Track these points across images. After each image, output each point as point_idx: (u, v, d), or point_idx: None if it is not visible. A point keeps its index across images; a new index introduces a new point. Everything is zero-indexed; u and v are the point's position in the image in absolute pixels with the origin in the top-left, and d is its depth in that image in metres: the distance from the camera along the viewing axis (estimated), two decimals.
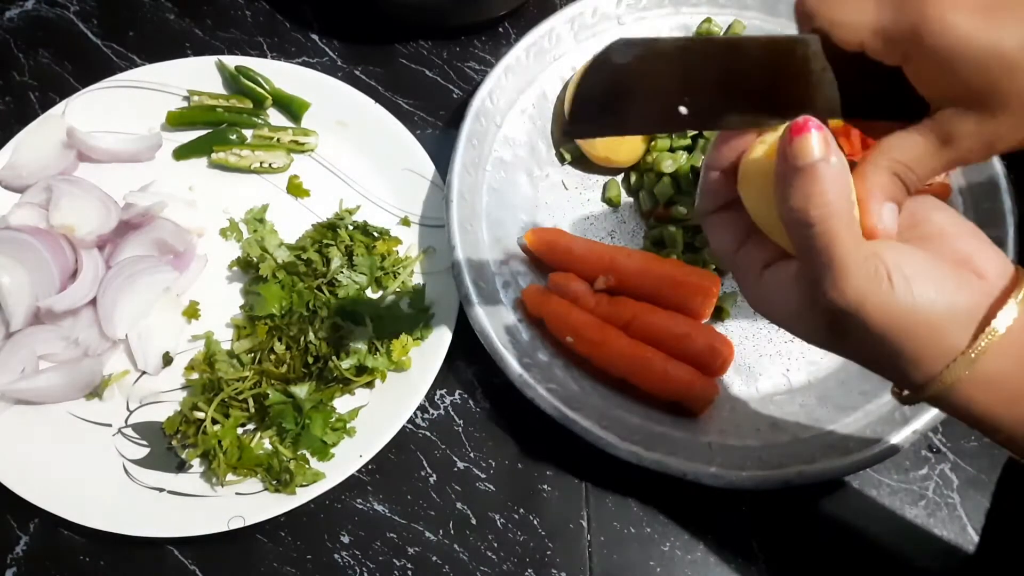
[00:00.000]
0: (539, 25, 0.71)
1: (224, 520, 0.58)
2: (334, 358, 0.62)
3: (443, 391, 0.65)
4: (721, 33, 0.74)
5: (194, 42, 0.80)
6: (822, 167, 0.34)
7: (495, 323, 0.62)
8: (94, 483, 0.60)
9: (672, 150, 0.70)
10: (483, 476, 0.62)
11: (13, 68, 0.78)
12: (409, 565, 0.59)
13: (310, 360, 0.63)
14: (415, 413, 0.63)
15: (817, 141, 0.35)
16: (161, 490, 0.60)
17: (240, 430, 0.62)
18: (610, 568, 0.60)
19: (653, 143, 0.70)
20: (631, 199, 0.72)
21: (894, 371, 0.38)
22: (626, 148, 0.70)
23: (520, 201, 0.70)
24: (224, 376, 0.62)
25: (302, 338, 0.63)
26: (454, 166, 0.66)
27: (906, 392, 0.40)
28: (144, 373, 0.65)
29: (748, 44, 0.38)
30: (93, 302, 0.65)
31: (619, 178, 0.73)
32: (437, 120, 0.76)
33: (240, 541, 0.59)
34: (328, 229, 0.68)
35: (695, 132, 0.69)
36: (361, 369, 0.62)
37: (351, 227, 0.68)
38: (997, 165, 0.66)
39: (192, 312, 0.67)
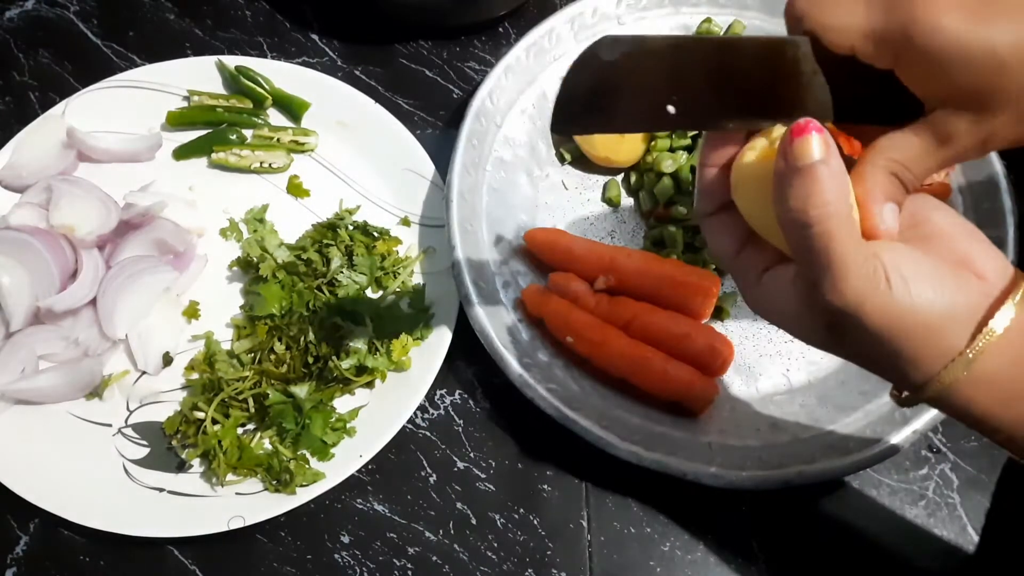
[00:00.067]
0: (539, 25, 0.71)
1: (224, 520, 0.58)
2: (334, 358, 0.62)
3: (443, 391, 0.65)
4: (721, 33, 0.74)
5: (194, 42, 0.80)
6: (821, 168, 0.34)
7: (495, 323, 0.62)
8: (94, 483, 0.60)
9: (672, 150, 0.70)
10: (483, 476, 0.62)
11: (13, 68, 0.78)
12: (409, 565, 0.59)
13: (310, 360, 0.63)
14: (415, 413, 0.63)
15: (817, 143, 0.35)
16: (161, 490, 0.60)
17: (240, 430, 0.62)
18: (610, 568, 0.60)
19: (653, 143, 0.70)
20: (631, 199, 0.72)
21: (893, 372, 0.38)
22: (626, 148, 0.70)
23: (520, 201, 0.70)
24: (224, 376, 0.62)
25: (302, 338, 0.63)
26: (454, 166, 0.66)
27: (905, 393, 0.40)
28: (144, 373, 0.65)
29: (738, 44, 0.38)
30: (93, 302, 0.65)
31: (619, 178, 0.73)
32: (437, 120, 0.76)
33: (240, 541, 0.59)
34: (328, 229, 0.68)
35: (695, 132, 0.69)
36: (361, 369, 0.62)
37: (351, 227, 0.68)
38: (997, 165, 0.66)
39: (192, 312, 0.67)
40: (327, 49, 0.80)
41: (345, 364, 0.62)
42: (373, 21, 0.80)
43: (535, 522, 0.61)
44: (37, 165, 0.70)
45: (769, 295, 0.40)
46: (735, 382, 0.64)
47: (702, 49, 0.38)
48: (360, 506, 0.61)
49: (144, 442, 0.62)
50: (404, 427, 0.62)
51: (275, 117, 0.75)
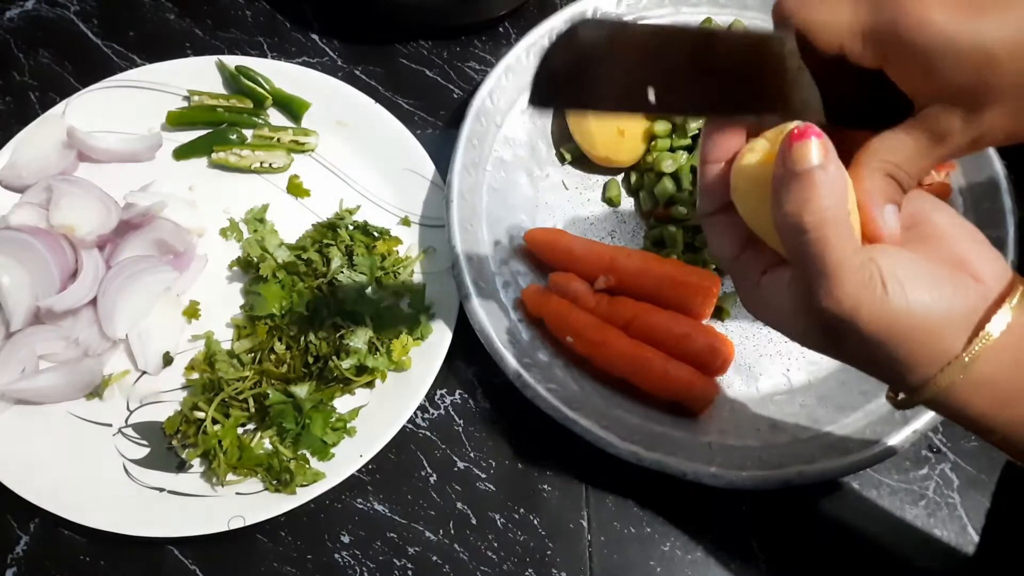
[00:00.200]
0: (539, 25, 0.71)
1: (224, 520, 0.58)
2: (334, 358, 0.62)
3: (443, 391, 0.65)
4: None
5: (194, 42, 0.80)
6: (819, 174, 0.34)
7: (495, 323, 0.62)
8: (94, 483, 0.60)
9: (672, 150, 0.70)
10: (483, 476, 0.62)
11: (13, 68, 0.78)
12: (409, 565, 0.59)
13: (310, 360, 0.63)
14: (415, 413, 0.63)
15: (816, 148, 0.35)
16: (161, 490, 0.60)
17: (240, 430, 0.62)
18: (610, 568, 0.60)
19: (653, 143, 0.70)
20: (631, 199, 0.72)
21: (890, 375, 0.38)
22: (626, 148, 0.70)
23: (520, 201, 0.70)
24: (224, 376, 0.62)
25: (302, 338, 0.63)
26: (454, 166, 0.66)
27: (901, 396, 0.40)
28: (144, 373, 0.65)
29: (720, 35, 0.38)
30: (93, 302, 0.65)
31: (619, 178, 0.73)
32: (437, 120, 0.76)
33: (240, 541, 0.59)
34: (328, 229, 0.68)
35: (695, 132, 0.69)
36: (361, 369, 0.62)
37: (351, 227, 0.68)
38: (997, 165, 0.66)
39: (192, 312, 0.67)
40: (327, 49, 0.80)
41: (345, 364, 0.62)
42: (373, 21, 0.80)
43: (535, 522, 0.61)
44: (37, 165, 0.70)
45: (767, 298, 0.40)
46: (735, 382, 0.64)
47: (683, 37, 0.38)
48: (360, 506, 0.61)
49: (144, 442, 0.62)
50: (404, 427, 0.62)
51: (275, 117, 0.75)
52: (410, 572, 0.59)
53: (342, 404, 0.63)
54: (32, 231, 0.65)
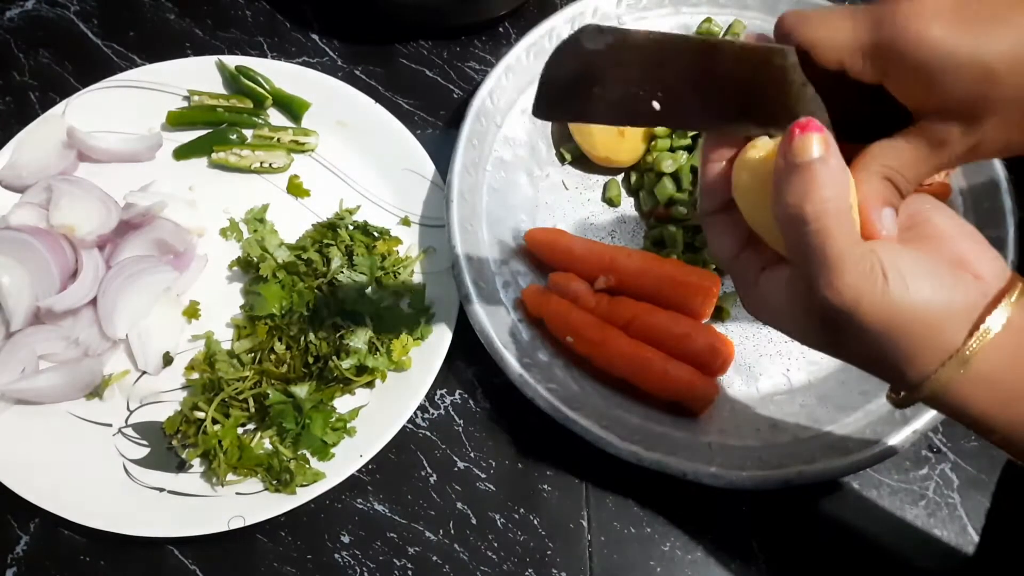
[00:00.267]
0: (539, 25, 0.71)
1: (224, 520, 0.58)
2: (334, 358, 0.62)
3: (443, 391, 0.65)
4: (721, 33, 0.74)
5: (194, 42, 0.80)
6: (820, 166, 0.35)
7: (495, 323, 0.62)
8: (94, 483, 0.60)
9: (672, 150, 0.70)
10: (483, 476, 0.62)
11: (13, 68, 0.78)
12: (409, 565, 0.59)
13: (310, 360, 0.63)
14: (415, 413, 0.63)
15: (818, 141, 0.35)
16: (161, 490, 0.60)
17: (240, 430, 0.62)
18: (610, 568, 0.60)
19: (653, 143, 0.70)
20: (631, 199, 0.72)
21: (890, 371, 0.38)
22: (626, 148, 0.70)
23: (520, 201, 0.70)
24: (224, 376, 0.62)
25: (302, 338, 0.63)
26: (454, 166, 0.66)
27: (902, 393, 0.40)
28: (144, 373, 0.65)
29: (723, 47, 0.38)
30: (93, 302, 0.65)
31: (619, 178, 0.73)
32: (437, 120, 0.76)
33: (240, 541, 0.59)
34: (328, 229, 0.68)
35: (694, 132, 0.69)
36: (361, 369, 0.62)
37: (351, 227, 0.68)
38: (997, 165, 0.66)
39: (192, 312, 0.67)
40: (327, 49, 0.80)
41: (345, 364, 0.62)
42: (373, 21, 0.80)
43: (535, 522, 0.61)
44: (37, 165, 0.70)
45: (766, 296, 0.40)
46: (735, 382, 0.64)
47: (685, 48, 0.38)
48: (360, 506, 0.61)
49: (144, 442, 0.62)
50: (404, 427, 0.62)
51: (275, 117, 0.75)
52: (410, 572, 0.59)
53: (342, 404, 0.63)
54: (32, 231, 0.65)
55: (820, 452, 0.58)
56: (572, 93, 0.38)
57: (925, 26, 0.35)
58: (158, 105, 0.74)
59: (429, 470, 0.63)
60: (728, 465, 0.57)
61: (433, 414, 0.64)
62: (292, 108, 0.74)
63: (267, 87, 0.74)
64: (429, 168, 0.71)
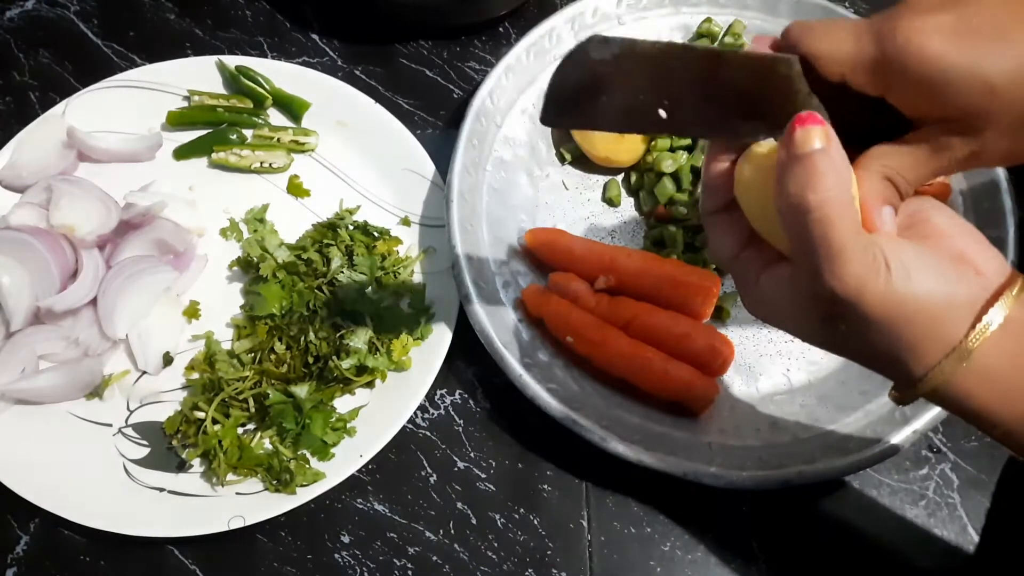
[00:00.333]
0: (539, 25, 0.71)
1: (224, 520, 0.58)
2: (334, 358, 0.62)
3: (443, 391, 0.65)
4: (721, 33, 0.74)
5: (194, 42, 0.80)
6: (822, 156, 0.35)
7: (495, 323, 0.62)
8: (94, 483, 0.60)
9: (672, 150, 0.70)
10: (483, 476, 0.62)
11: (13, 68, 0.78)
12: (409, 565, 0.59)
13: (310, 360, 0.63)
14: (415, 413, 0.63)
15: (819, 133, 0.35)
16: (161, 490, 0.60)
17: (240, 430, 0.62)
18: (610, 568, 0.60)
19: (653, 143, 0.70)
20: (631, 199, 0.72)
21: (892, 364, 0.38)
22: (626, 148, 0.70)
23: (520, 201, 0.70)
24: (224, 376, 0.62)
25: (302, 338, 0.63)
26: (454, 166, 0.66)
27: (904, 389, 0.40)
28: (144, 373, 0.65)
29: (729, 57, 0.38)
30: (93, 302, 0.65)
31: (619, 178, 0.73)
32: (437, 120, 0.76)
33: (240, 541, 0.59)
34: (328, 229, 0.68)
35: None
36: (361, 369, 0.62)
37: (351, 227, 0.68)
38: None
39: (192, 312, 0.67)
40: (327, 49, 0.80)
41: (345, 364, 0.62)
42: (373, 21, 0.80)
43: (535, 522, 0.61)
44: (37, 165, 0.70)
45: (767, 293, 0.40)
46: (735, 382, 0.64)
47: (691, 57, 0.38)
48: (360, 506, 0.61)
49: (144, 442, 0.62)
50: (404, 427, 0.62)
51: (275, 117, 0.75)
52: (410, 572, 0.59)
53: (342, 404, 0.63)
54: (32, 231, 0.65)
55: (820, 452, 0.58)
56: (579, 102, 0.38)
57: (926, 40, 0.35)
58: (158, 105, 0.74)
59: (429, 470, 0.63)
60: (728, 465, 0.57)
61: (433, 414, 0.64)
62: (292, 108, 0.74)
63: (267, 87, 0.74)
64: (429, 168, 0.71)
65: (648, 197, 0.70)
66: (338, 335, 0.63)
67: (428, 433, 0.64)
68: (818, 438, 0.60)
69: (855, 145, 0.40)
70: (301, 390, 0.61)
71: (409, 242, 0.70)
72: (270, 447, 0.61)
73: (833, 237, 0.35)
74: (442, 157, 0.70)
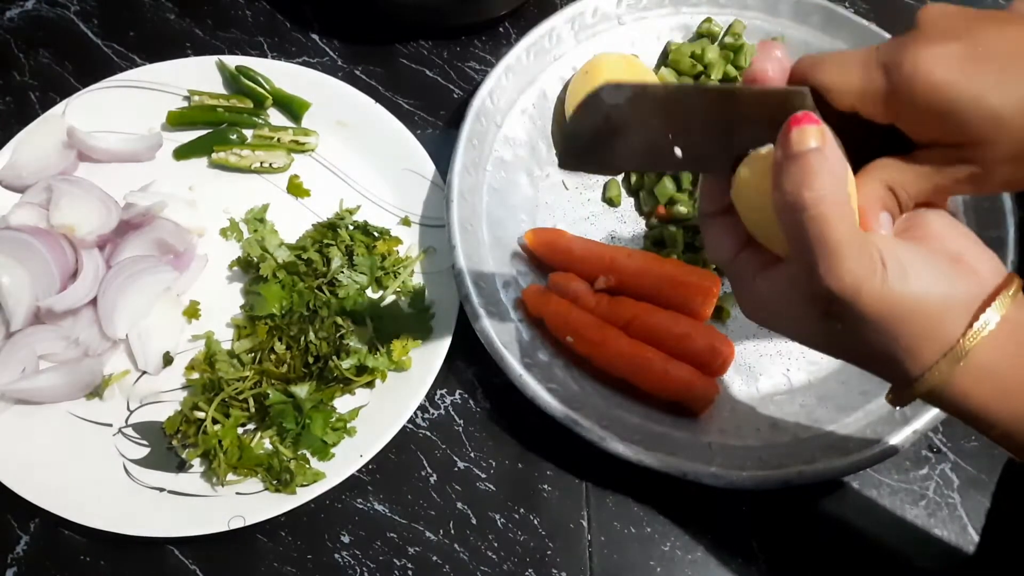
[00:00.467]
0: (539, 25, 0.71)
1: (224, 520, 0.58)
2: (334, 358, 0.62)
3: (443, 391, 0.65)
4: (721, 33, 0.74)
5: (194, 42, 0.80)
6: (817, 155, 0.35)
7: (495, 323, 0.62)
8: (94, 483, 0.60)
9: None
10: (483, 476, 0.62)
11: (13, 68, 0.78)
12: (409, 565, 0.59)
13: (310, 360, 0.63)
14: (415, 413, 0.63)
15: (814, 132, 0.36)
16: (161, 490, 0.60)
17: (240, 430, 0.62)
18: (610, 568, 0.60)
19: None
20: (631, 199, 0.72)
21: (889, 364, 0.38)
22: None
23: (520, 201, 0.70)
24: (224, 376, 0.62)
25: (302, 338, 0.63)
26: (454, 166, 0.66)
27: (901, 390, 0.40)
28: (144, 373, 0.65)
29: (741, 94, 0.39)
30: (93, 302, 0.65)
31: (619, 178, 0.73)
32: (437, 120, 0.76)
33: (240, 541, 0.59)
34: (328, 229, 0.68)
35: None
36: (361, 369, 0.62)
37: (351, 227, 0.68)
38: None
39: (192, 312, 0.67)
40: (327, 49, 0.80)
41: (345, 364, 0.62)
42: (373, 21, 0.80)
43: (535, 522, 0.61)
44: (37, 165, 0.70)
45: (764, 295, 0.40)
46: (735, 382, 0.64)
47: (704, 97, 0.39)
48: (360, 506, 0.61)
49: (144, 442, 0.62)
50: (404, 427, 0.62)
51: (275, 117, 0.75)
52: (410, 572, 0.59)
53: (342, 404, 0.63)
54: (32, 231, 0.65)
55: (820, 452, 0.58)
56: (595, 146, 0.39)
57: (934, 68, 0.36)
58: (158, 105, 0.74)
59: (429, 470, 0.63)
60: (728, 465, 0.57)
61: (433, 414, 0.64)
62: (292, 108, 0.74)
63: (267, 87, 0.74)
64: (429, 168, 0.71)
65: (648, 197, 0.70)
66: (338, 335, 0.63)
67: (428, 433, 0.64)
68: (818, 438, 0.60)
69: (865, 165, 0.40)
70: (301, 390, 0.61)
71: (409, 242, 0.70)
72: (270, 447, 0.61)
73: (829, 235, 0.35)
74: (442, 157, 0.70)
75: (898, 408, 0.59)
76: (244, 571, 0.59)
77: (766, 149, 0.39)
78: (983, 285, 0.37)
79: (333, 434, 0.61)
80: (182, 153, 0.73)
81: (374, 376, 0.63)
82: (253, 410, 0.62)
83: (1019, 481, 0.61)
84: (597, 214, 0.71)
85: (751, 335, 0.66)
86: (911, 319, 0.36)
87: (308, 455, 0.60)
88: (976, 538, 0.60)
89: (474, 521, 0.61)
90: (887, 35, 0.72)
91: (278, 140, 0.73)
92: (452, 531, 0.60)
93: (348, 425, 0.62)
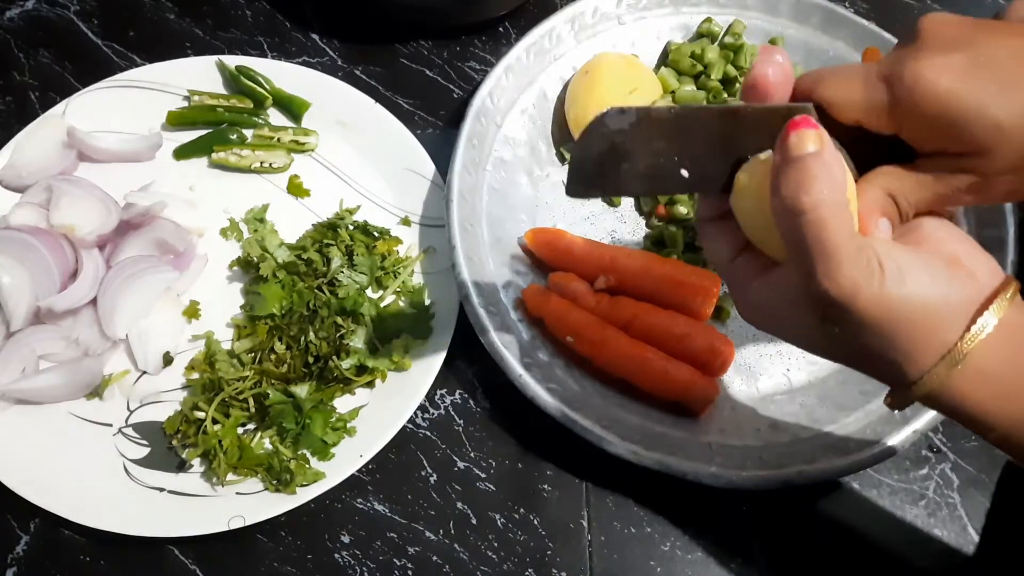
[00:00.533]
0: (539, 25, 0.71)
1: (224, 520, 0.58)
2: (334, 358, 0.62)
3: (443, 391, 0.65)
4: (721, 33, 0.74)
5: (194, 42, 0.80)
6: (815, 159, 0.35)
7: (495, 323, 0.62)
8: (94, 483, 0.60)
9: None
10: (483, 476, 0.62)
11: (13, 68, 0.78)
12: (409, 565, 0.59)
13: (310, 360, 0.63)
14: (415, 413, 0.63)
15: (813, 136, 0.35)
16: (161, 490, 0.60)
17: (240, 430, 0.62)
18: (610, 568, 0.60)
19: None
20: (631, 199, 0.72)
21: (887, 367, 0.38)
22: None
23: (520, 201, 0.70)
24: (224, 376, 0.62)
25: (302, 338, 0.63)
26: (454, 166, 0.66)
27: (899, 393, 0.40)
28: (144, 373, 0.65)
29: (745, 112, 0.39)
30: (93, 302, 0.65)
31: None
32: (437, 120, 0.76)
33: (240, 541, 0.59)
34: (328, 229, 0.68)
35: None
36: (361, 369, 0.63)
37: (351, 227, 0.68)
38: None
39: (192, 312, 0.67)
40: (327, 49, 0.80)
41: (345, 364, 0.62)
42: (373, 21, 0.80)
43: (535, 522, 0.61)
44: (37, 165, 0.70)
45: (762, 299, 0.40)
46: (735, 382, 0.64)
47: (707, 117, 0.39)
48: (360, 506, 0.61)
49: (144, 442, 0.62)
50: (404, 427, 0.62)
51: (275, 117, 0.75)
52: (410, 572, 0.59)
53: (342, 404, 0.63)
54: (32, 231, 0.65)
55: (820, 452, 0.58)
56: (602, 171, 0.39)
57: (936, 79, 0.36)
58: (158, 105, 0.74)
59: (429, 470, 0.63)
60: (728, 465, 0.57)
61: (433, 414, 0.64)
62: (292, 108, 0.74)
63: (267, 87, 0.74)
64: (429, 168, 0.71)
65: (648, 197, 0.70)
66: (338, 335, 0.63)
67: (428, 433, 0.64)
68: (818, 438, 0.60)
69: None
70: (301, 390, 0.61)
71: (409, 242, 0.70)
72: (270, 447, 0.61)
73: (826, 239, 0.35)
74: (442, 157, 0.70)
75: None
76: (244, 571, 0.59)
77: (765, 155, 0.39)
78: (980, 288, 0.37)
79: (333, 434, 0.61)
80: (182, 153, 0.73)
81: (374, 376, 0.63)
82: (253, 410, 0.62)
83: (1019, 481, 0.61)
84: (597, 214, 0.71)
85: (751, 335, 0.66)
86: (908, 323, 0.36)
87: (308, 455, 0.60)
88: (976, 538, 0.60)
89: (474, 521, 0.61)
90: (887, 35, 0.72)
91: (278, 140, 0.73)
92: (452, 531, 0.61)
93: (348, 425, 0.62)
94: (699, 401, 0.61)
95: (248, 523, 0.58)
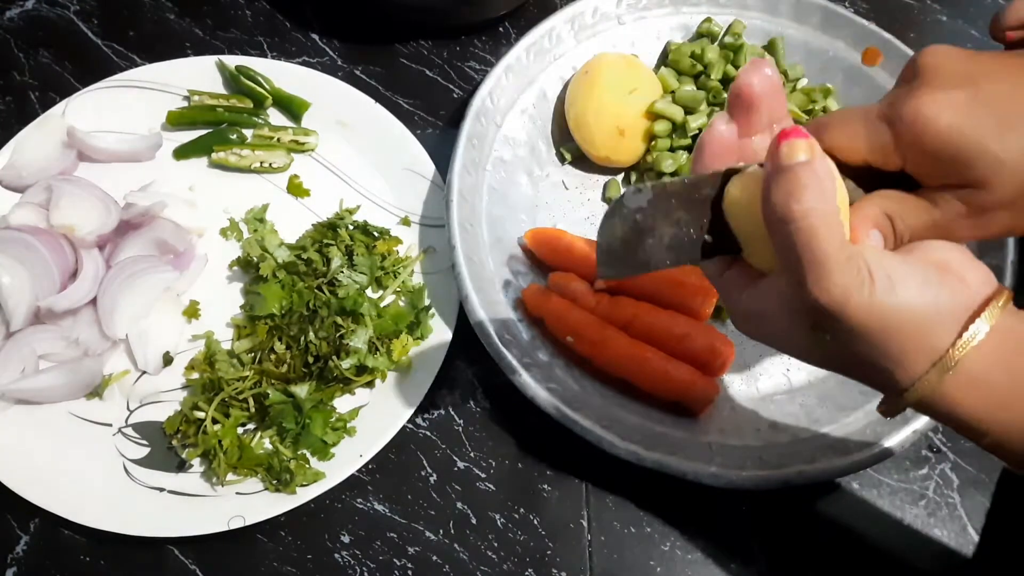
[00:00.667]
0: (539, 25, 0.71)
1: (224, 520, 0.58)
2: (334, 358, 0.62)
3: (443, 391, 0.65)
4: (721, 33, 0.74)
5: (194, 42, 0.80)
6: (805, 168, 0.35)
7: (495, 323, 0.62)
8: (94, 483, 0.60)
9: (672, 150, 0.70)
10: (483, 476, 0.62)
11: (13, 68, 0.79)
12: (409, 565, 0.59)
13: (310, 360, 0.63)
14: (415, 413, 0.63)
15: (803, 146, 0.35)
16: (161, 490, 0.60)
17: (240, 430, 0.62)
18: (610, 568, 0.60)
19: (653, 143, 0.70)
20: None
21: (879, 375, 0.38)
22: (626, 148, 0.70)
23: (520, 201, 0.70)
24: (224, 376, 0.62)
25: (302, 338, 0.63)
26: (454, 166, 0.66)
27: (891, 400, 0.40)
28: (144, 373, 0.65)
29: (758, 172, 0.39)
30: (93, 302, 0.65)
31: (619, 178, 0.73)
32: (437, 120, 0.76)
33: (240, 541, 0.59)
34: (328, 229, 0.68)
35: (694, 133, 0.69)
36: (361, 369, 0.62)
37: (351, 227, 0.68)
38: None
39: (192, 312, 0.67)
40: (327, 49, 0.80)
41: (345, 364, 0.62)
42: (373, 21, 0.80)
43: (535, 522, 0.61)
44: (37, 165, 0.70)
45: (753, 309, 0.40)
46: (735, 382, 0.64)
47: (715, 180, 0.39)
48: (360, 506, 0.61)
49: (144, 442, 0.62)
50: (404, 427, 0.62)
51: (275, 117, 0.75)
52: (410, 572, 0.59)
53: (342, 404, 0.63)
54: (32, 231, 0.65)
55: (820, 452, 0.58)
56: (629, 250, 0.40)
57: (935, 116, 0.37)
58: (158, 105, 0.74)
59: (429, 470, 0.63)
60: (728, 465, 0.57)
61: (433, 414, 0.64)
62: (292, 108, 0.74)
63: (267, 87, 0.74)
64: (429, 168, 0.71)
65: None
66: (338, 335, 0.63)
67: (428, 433, 0.64)
68: (818, 438, 0.60)
69: None
70: (301, 390, 0.61)
71: (409, 242, 0.70)
72: (270, 447, 0.61)
73: (816, 247, 0.35)
74: (442, 157, 0.70)
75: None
76: (244, 571, 0.59)
77: (754, 167, 0.39)
78: (972, 295, 0.37)
79: (333, 434, 0.61)
80: (182, 153, 0.73)
81: (374, 376, 0.63)
82: (253, 410, 0.62)
83: (1019, 481, 0.61)
84: (597, 214, 0.71)
85: None
86: (899, 330, 0.36)
87: (308, 455, 0.60)
88: (976, 538, 0.60)
89: (474, 521, 0.61)
90: (887, 35, 0.72)
91: (278, 140, 0.73)
92: (452, 531, 0.61)
93: (348, 425, 0.62)
94: (699, 401, 0.61)
95: (248, 523, 0.58)
